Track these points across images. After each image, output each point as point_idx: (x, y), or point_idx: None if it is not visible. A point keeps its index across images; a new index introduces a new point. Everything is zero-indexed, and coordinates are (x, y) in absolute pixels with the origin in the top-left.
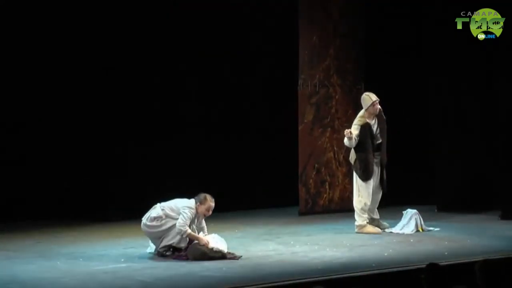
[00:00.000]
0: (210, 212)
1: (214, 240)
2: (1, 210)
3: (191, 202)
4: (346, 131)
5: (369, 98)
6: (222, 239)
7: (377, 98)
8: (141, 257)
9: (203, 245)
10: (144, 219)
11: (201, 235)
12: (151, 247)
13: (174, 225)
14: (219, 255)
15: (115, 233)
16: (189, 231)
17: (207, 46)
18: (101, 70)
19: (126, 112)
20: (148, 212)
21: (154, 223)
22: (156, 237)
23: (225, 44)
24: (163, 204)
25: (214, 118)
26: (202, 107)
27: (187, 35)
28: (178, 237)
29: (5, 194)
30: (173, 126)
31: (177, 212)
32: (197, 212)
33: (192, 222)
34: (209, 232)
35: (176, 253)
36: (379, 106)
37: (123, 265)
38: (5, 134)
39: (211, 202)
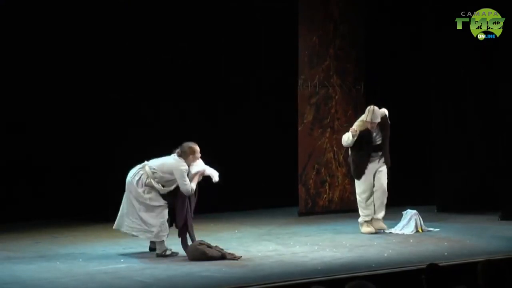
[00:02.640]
0: (199, 155)
1: (206, 168)
2: (1, 210)
3: (180, 162)
4: (352, 129)
5: (369, 116)
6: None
7: (371, 120)
8: (141, 258)
9: (202, 174)
10: (131, 178)
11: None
12: (148, 243)
13: (160, 207)
14: (219, 255)
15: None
16: (192, 185)
17: (207, 46)
18: (101, 69)
19: (126, 112)
20: (137, 171)
21: (142, 190)
22: (135, 207)
23: (224, 44)
24: (153, 165)
25: (214, 118)
26: (202, 107)
27: (187, 35)
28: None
29: (4, 194)
30: (173, 126)
31: (169, 173)
32: (187, 165)
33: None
34: (209, 235)
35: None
36: (373, 125)
37: (123, 265)
38: (5, 134)
39: (195, 147)
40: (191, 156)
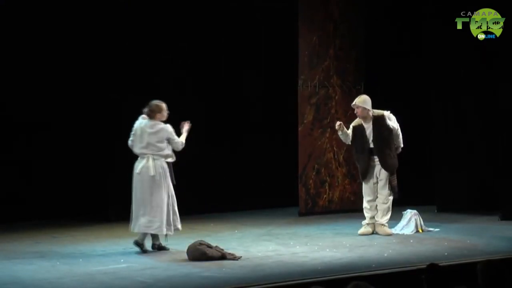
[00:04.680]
0: (166, 114)
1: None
2: (1, 210)
3: (157, 123)
4: (337, 123)
5: (355, 99)
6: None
7: (355, 103)
8: (141, 258)
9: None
10: (146, 169)
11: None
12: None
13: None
14: (219, 255)
15: (115, 233)
16: (182, 139)
17: (207, 46)
18: (101, 69)
19: (126, 112)
20: (146, 163)
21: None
22: (150, 201)
23: (224, 44)
24: (148, 151)
25: (214, 118)
26: (202, 107)
27: (187, 35)
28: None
29: (4, 194)
30: (172, 126)
31: (162, 141)
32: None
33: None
34: (209, 235)
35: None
36: (358, 111)
37: (123, 265)
38: (5, 135)
39: (162, 104)
40: (158, 114)
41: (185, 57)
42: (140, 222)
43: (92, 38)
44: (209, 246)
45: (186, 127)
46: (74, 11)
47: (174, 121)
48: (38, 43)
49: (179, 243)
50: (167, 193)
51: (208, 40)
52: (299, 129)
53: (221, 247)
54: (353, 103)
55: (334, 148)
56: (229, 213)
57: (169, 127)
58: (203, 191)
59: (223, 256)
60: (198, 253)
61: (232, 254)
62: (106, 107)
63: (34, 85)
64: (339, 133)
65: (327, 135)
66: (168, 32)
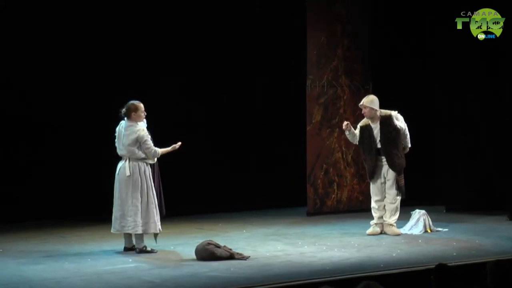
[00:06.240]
0: (143, 114)
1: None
2: (7, 210)
3: (132, 126)
4: (344, 123)
5: (363, 99)
6: None
7: (362, 103)
8: (148, 258)
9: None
10: (125, 170)
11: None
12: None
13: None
14: (227, 255)
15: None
16: (159, 150)
17: (211, 46)
18: (101, 70)
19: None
20: (125, 164)
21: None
22: (132, 202)
23: (232, 45)
24: (126, 153)
25: (221, 118)
26: (209, 107)
27: (195, 36)
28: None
29: (12, 194)
30: (180, 125)
31: (135, 144)
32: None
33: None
34: (217, 235)
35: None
36: (365, 111)
37: (131, 265)
38: (9, 136)
39: (138, 104)
40: (133, 114)
41: (187, 57)
42: (117, 222)
43: (94, 39)
44: (217, 246)
45: (176, 145)
46: (80, 14)
47: (180, 120)
48: (38, 43)
49: (187, 243)
50: (145, 193)
51: (213, 40)
52: (308, 129)
53: (229, 246)
54: (361, 103)
55: (343, 148)
56: (237, 213)
57: (141, 131)
58: (211, 191)
59: (231, 256)
60: (207, 253)
61: (240, 254)
62: (107, 108)
63: (36, 86)
64: (346, 133)
65: (336, 135)
66: (169, 32)
